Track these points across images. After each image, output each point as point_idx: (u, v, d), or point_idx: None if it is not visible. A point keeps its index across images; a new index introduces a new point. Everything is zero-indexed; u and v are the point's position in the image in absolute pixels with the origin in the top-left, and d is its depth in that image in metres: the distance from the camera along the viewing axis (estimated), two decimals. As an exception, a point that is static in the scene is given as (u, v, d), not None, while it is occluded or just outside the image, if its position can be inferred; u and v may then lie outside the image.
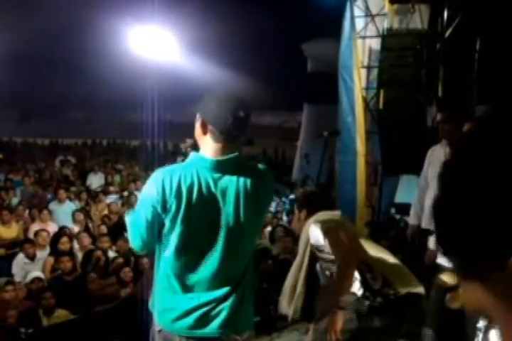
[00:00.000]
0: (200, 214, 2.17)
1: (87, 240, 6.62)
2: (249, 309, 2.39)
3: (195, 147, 2.69)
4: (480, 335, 1.99)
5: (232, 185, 2.21)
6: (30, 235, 7.12)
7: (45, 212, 7.94)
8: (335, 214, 3.21)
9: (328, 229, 2.92)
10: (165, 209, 2.13)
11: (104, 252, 6.12)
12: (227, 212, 2.20)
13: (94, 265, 5.69)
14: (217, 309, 2.29)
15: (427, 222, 4.39)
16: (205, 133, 2.21)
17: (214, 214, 2.19)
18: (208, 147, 2.22)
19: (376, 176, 7.91)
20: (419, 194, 4.47)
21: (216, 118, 2.17)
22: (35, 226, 7.52)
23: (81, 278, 5.34)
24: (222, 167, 2.20)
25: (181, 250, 2.19)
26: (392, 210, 8.26)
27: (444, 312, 3.32)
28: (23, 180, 10.83)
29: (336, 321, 2.73)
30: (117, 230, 7.82)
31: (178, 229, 2.15)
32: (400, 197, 8.13)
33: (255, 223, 2.37)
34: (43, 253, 6.43)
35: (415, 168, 4.64)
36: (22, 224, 7.82)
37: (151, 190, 2.16)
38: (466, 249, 0.61)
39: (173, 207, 2.13)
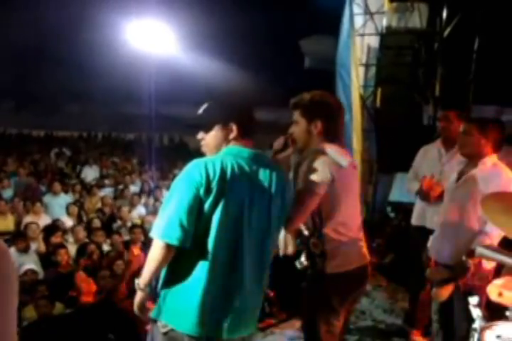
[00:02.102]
0: (238, 200, 2.19)
1: (81, 233, 6.61)
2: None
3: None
4: (475, 335, 2.01)
5: (266, 178, 2.29)
6: (23, 227, 7.10)
7: (38, 204, 7.93)
8: (348, 160, 2.69)
9: (313, 189, 2.52)
10: (208, 192, 2.11)
11: (99, 246, 6.12)
12: (262, 202, 2.26)
13: (87, 259, 5.68)
14: (250, 309, 2.32)
15: (417, 219, 4.45)
16: (238, 139, 2.31)
17: (251, 202, 2.22)
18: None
19: (371, 174, 7.92)
20: (408, 186, 4.53)
21: (250, 124, 2.36)
22: (28, 219, 7.51)
23: (74, 272, 5.33)
24: (258, 159, 2.30)
25: (220, 236, 2.16)
26: (387, 208, 8.29)
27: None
28: (17, 172, 10.78)
29: None
30: (111, 223, 7.83)
31: (219, 213, 2.14)
32: (394, 195, 8.16)
33: (279, 217, 2.39)
34: (35, 245, 6.43)
35: (410, 166, 4.66)
36: (16, 216, 7.80)
37: (192, 174, 2.14)
38: None
39: (217, 190, 2.12)
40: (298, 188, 2.55)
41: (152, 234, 2.16)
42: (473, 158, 3.32)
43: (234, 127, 2.29)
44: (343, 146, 2.76)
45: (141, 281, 2.24)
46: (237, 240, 2.20)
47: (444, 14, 7.58)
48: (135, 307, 2.29)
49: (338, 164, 2.60)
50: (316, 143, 2.69)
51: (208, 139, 2.35)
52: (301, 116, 2.71)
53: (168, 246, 2.11)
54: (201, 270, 2.17)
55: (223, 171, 2.14)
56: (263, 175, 2.28)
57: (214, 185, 2.11)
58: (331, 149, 2.65)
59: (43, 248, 6.43)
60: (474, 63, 7.94)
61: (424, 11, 8.04)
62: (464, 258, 2.96)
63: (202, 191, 2.11)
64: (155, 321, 2.27)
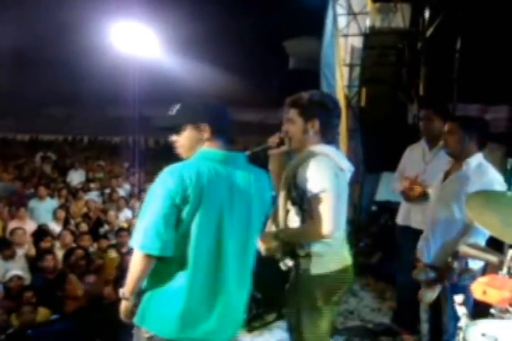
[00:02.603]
0: (218, 205, 2.18)
1: (68, 238, 6.57)
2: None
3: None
4: (461, 334, 2.02)
5: (244, 180, 2.27)
6: (8, 233, 7.03)
7: (23, 209, 7.85)
8: (347, 163, 2.69)
9: (328, 188, 2.47)
10: (185, 200, 2.09)
11: (86, 250, 6.08)
12: (241, 204, 2.25)
13: (74, 263, 5.64)
14: (234, 312, 2.33)
15: (403, 219, 4.47)
16: (212, 139, 2.29)
17: (230, 206, 2.21)
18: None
19: (358, 174, 7.94)
20: (393, 186, 4.57)
21: (223, 124, 2.33)
22: (12, 224, 7.44)
23: (61, 276, 5.29)
24: (233, 161, 2.28)
25: (201, 242, 2.15)
26: (373, 207, 8.30)
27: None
28: (1, 177, 10.69)
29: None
30: (98, 228, 7.79)
31: (198, 219, 2.13)
32: (381, 195, 8.18)
33: (260, 219, 2.40)
34: (22, 251, 6.38)
35: (396, 165, 4.69)
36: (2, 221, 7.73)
37: (167, 182, 2.11)
38: None
39: (193, 198, 2.10)
40: (311, 194, 2.51)
41: (132, 244, 2.16)
42: (458, 157, 3.34)
43: (206, 127, 2.28)
44: (338, 147, 2.76)
45: (125, 290, 2.25)
46: (218, 245, 2.19)
47: (427, 14, 7.63)
48: (121, 315, 2.31)
49: (340, 167, 2.60)
50: (312, 143, 2.66)
51: (182, 141, 2.33)
52: (298, 115, 2.68)
53: (148, 256, 2.12)
54: (183, 276, 2.17)
55: (199, 178, 2.12)
56: (240, 176, 2.27)
57: (190, 192, 2.09)
58: (332, 151, 2.64)
59: (33, 251, 6.38)
60: (457, 62, 7.99)
61: (407, 11, 8.08)
62: (449, 259, 2.97)
63: (178, 199, 2.09)
64: (139, 326, 2.28)
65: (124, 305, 2.29)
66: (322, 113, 2.65)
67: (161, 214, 2.09)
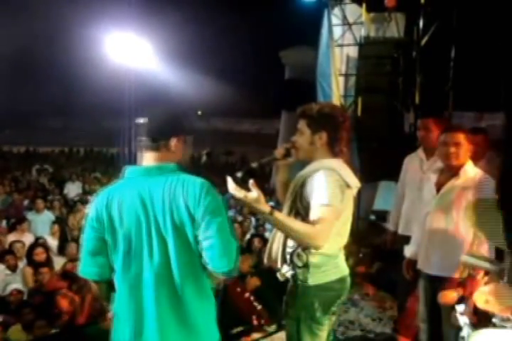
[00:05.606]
0: (134, 220, 2.14)
1: (75, 250, 6.51)
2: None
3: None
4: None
5: (161, 189, 2.15)
6: (7, 246, 6.98)
7: (26, 223, 7.79)
8: (354, 180, 2.66)
9: (330, 203, 2.43)
10: (101, 223, 2.15)
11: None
12: (162, 218, 2.13)
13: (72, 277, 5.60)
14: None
15: (404, 228, 4.45)
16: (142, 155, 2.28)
17: (148, 221, 2.14)
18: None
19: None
20: (395, 200, 4.59)
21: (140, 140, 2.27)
22: (11, 237, 7.39)
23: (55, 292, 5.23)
24: (152, 173, 2.19)
25: (127, 262, 2.16)
26: (372, 217, 8.30)
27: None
28: (-2, 190, 10.64)
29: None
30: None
31: (119, 239, 2.15)
32: (378, 204, 8.19)
33: (187, 231, 2.18)
34: (22, 264, 6.33)
35: (393, 174, 4.70)
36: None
37: (90, 209, 2.20)
38: None
39: (107, 220, 2.14)
40: (313, 206, 2.47)
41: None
42: (452, 168, 3.36)
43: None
44: (345, 159, 2.73)
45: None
46: (141, 261, 2.15)
47: (421, 23, 7.68)
48: None
49: (346, 183, 2.56)
50: (319, 156, 2.64)
51: None
52: (306, 126, 2.64)
53: (93, 281, 2.26)
54: (123, 295, 2.20)
55: (110, 198, 2.16)
56: (157, 187, 2.14)
57: (104, 215, 2.14)
58: (340, 166, 2.60)
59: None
60: (452, 71, 8.04)
61: (401, 20, 8.15)
62: (467, 270, 2.91)
63: (96, 224, 2.16)
64: None
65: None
66: (331, 126, 2.61)
67: (88, 240, 2.19)
